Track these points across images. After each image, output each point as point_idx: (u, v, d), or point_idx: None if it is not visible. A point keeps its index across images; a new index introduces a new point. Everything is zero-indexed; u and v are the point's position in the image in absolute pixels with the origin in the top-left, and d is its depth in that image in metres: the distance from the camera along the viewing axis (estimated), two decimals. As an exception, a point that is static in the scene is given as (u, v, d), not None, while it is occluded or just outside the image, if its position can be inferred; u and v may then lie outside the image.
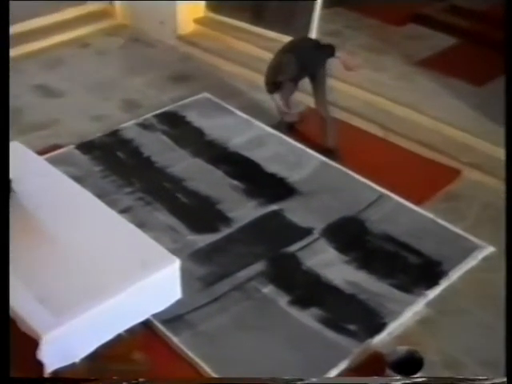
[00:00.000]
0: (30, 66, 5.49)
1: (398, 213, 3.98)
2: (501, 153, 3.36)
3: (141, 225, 3.45)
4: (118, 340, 2.83)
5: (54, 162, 3.80)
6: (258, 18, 5.77)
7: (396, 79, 5.17)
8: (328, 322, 3.27)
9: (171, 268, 2.93)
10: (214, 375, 2.99)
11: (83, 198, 3.30)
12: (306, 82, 4.46)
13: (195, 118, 4.83)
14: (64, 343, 2.63)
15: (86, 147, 4.48)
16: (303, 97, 4.71)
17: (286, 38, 4.69)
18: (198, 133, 4.69)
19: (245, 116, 4.84)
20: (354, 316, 3.32)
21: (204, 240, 3.74)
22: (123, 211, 3.79)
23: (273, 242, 3.74)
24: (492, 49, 4.94)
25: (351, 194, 4.12)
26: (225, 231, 3.81)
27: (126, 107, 5.03)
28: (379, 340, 3.21)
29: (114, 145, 4.54)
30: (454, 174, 4.34)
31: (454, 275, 3.55)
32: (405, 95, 4.93)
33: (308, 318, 3.30)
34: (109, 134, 4.63)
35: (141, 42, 6.00)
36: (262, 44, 5.47)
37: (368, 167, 4.25)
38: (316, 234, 3.80)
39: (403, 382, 2.74)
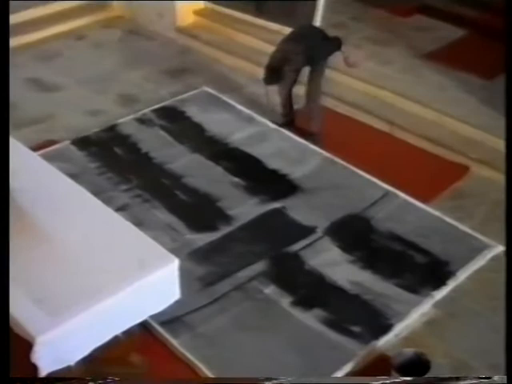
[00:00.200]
0: (24, 59, 5.48)
1: (404, 211, 3.98)
2: (511, 148, 3.36)
3: (138, 223, 3.45)
4: (115, 342, 2.83)
5: (48, 158, 3.81)
6: (260, 9, 5.77)
7: (402, 72, 5.17)
8: (332, 324, 3.27)
9: (170, 268, 2.94)
10: (214, 378, 3.00)
11: (79, 196, 3.30)
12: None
13: (195, 113, 4.82)
14: (59, 345, 2.64)
15: (82, 143, 4.48)
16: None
17: (288, 30, 4.68)
18: (198, 128, 4.68)
19: (246, 111, 4.84)
20: (359, 317, 3.32)
21: (204, 239, 3.74)
22: (120, 209, 3.78)
23: (275, 241, 3.74)
24: (502, 41, 4.92)
25: (356, 191, 4.12)
26: (225, 230, 3.81)
27: (124, 102, 5.03)
28: (385, 342, 3.20)
29: (110, 140, 4.53)
30: (462, 170, 4.34)
31: (462, 275, 3.55)
32: (411, 89, 4.92)
33: (311, 319, 3.30)
34: (105, 130, 4.63)
35: (138, 34, 5.99)
36: (264, 36, 5.46)
37: (373, 163, 4.25)
38: (319, 233, 3.80)
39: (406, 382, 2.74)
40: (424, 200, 4.04)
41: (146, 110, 4.84)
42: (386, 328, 3.25)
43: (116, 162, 4.33)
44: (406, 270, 3.58)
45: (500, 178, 4.14)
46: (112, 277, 2.81)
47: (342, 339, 3.19)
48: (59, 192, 3.31)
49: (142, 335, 3.07)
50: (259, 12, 5.73)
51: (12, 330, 2.60)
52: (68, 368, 2.69)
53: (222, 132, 4.62)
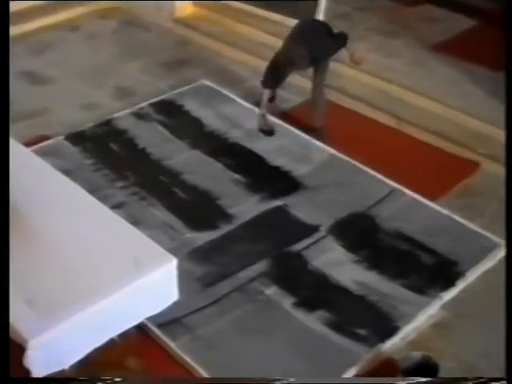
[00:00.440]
0: (16, 51, 5.45)
1: (411, 209, 3.98)
2: (522, 144, 3.36)
3: (135, 222, 3.45)
4: (111, 345, 2.84)
5: (41, 154, 3.82)
6: (261, -1, 5.77)
7: (409, 65, 5.17)
8: (336, 326, 3.27)
9: (168, 268, 2.94)
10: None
11: (73, 193, 3.31)
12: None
13: (194, 107, 4.82)
14: (52, 349, 2.64)
15: (77, 138, 4.48)
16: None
17: (292, 22, 4.68)
18: (197, 123, 4.68)
19: (247, 105, 4.84)
20: (364, 319, 3.32)
21: (203, 238, 3.74)
22: (116, 207, 3.78)
23: (277, 240, 3.74)
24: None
25: (361, 188, 4.12)
26: (225, 228, 3.81)
27: (120, 95, 5.03)
28: (391, 345, 3.21)
29: (106, 136, 4.53)
30: (472, 166, 4.34)
31: (471, 276, 3.56)
32: (419, 82, 4.92)
33: (314, 321, 3.30)
34: (101, 124, 4.62)
35: (135, 25, 5.99)
36: (266, 28, 5.47)
37: (379, 160, 4.25)
38: (323, 232, 3.80)
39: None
40: (432, 198, 4.04)
41: (143, 104, 4.84)
42: (392, 330, 3.25)
43: (112, 158, 4.33)
44: (413, 270, 3.58)
45: (511, 175, 4.15)
46: (108, 277, 2.82)
47: (347, 342, 3.20)
48: (53, 189, 3.31)
49: (139, 338, 3.07)
50: (261, 2, 5.72)
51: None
52: (62, 372, 2.69)
53: (222, 127, 4.62)
